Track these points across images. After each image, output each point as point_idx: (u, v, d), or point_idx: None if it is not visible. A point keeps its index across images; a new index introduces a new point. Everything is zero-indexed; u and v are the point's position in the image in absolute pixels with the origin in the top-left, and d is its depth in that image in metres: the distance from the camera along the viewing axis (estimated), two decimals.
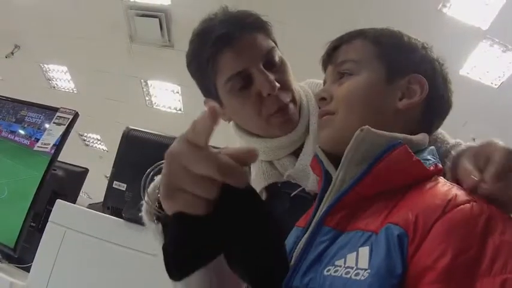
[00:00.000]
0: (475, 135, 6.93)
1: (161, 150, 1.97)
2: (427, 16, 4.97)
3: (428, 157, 0.88)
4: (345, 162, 0.84)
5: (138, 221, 1.68)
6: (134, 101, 7.85)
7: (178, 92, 7.42)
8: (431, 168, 0.85)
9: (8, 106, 2.25)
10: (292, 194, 1.25)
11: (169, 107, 7.96)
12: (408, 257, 0.66)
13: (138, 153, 1.88)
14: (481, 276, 0.61)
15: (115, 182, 1.85)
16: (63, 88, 8.03)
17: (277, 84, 1.21)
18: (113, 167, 1.88)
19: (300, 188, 1.23)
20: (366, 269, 0.66)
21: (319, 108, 1.02)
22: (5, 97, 2.31)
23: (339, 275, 0.69)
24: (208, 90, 1.34)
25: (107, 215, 1.79)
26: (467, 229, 0.66)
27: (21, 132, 2.15)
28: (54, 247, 1.72)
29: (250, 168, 1.35)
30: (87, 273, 1.68)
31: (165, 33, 5.91)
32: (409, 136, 0.88)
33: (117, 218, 1.73)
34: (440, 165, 0.89)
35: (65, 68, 7.49)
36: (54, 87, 8.02)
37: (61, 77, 7.74)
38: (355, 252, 0.71)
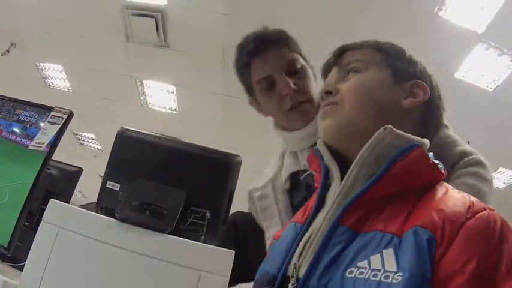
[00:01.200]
0: (470, 138, 6.94)
1: (155, 151, 1.98)
2: (423, 19, 4.98)
3: (437, 161, 0.90)
4: (360, 160, 0.87)
5: (131, 221, 1.68)
6: (129, 100, 7.84)
7: (173, 92, 7.41)
8: (444, 172, 0.89)
9: (8, 105, 2.23)
10: (300, 178, 1.54)
11: (165, 107, 7.95)
12: (436, 260, 0.69)
13: (132, 154, 1.87)
14: (501, 280, 0.66)
15: (108, 182, 1.84)
16: (59, 87, 8.01)
17: (293, 86, 1.56)
18: (107, 167, 1.88)
19: (308, 172, 1.50)
20: (395, 272, 0.69)
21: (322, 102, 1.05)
22: None
23: (366, 277, 0.71)
24: (250, 89, 1.79)
25: (100, 215, 1.78)
26: (487, 236, 0.71)
27: (24, 132, 2.13)
28: (47, 247, 1.70)
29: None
30: (79, 273, 1.68)
31: (161, 33, 5.91)
32: (422, 139, 0.91)
33: (110, 218, 1.72)
34: (446, 171, 0.92)
35: (60, 67, 7.46)
36: (49, 85, 7.99)
37: (56, 75, 7.72)
38: (378, 254, 0.73)
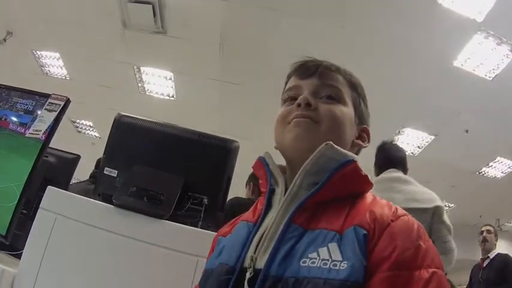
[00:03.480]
0: (468, 127, 6.99)
1: (153, 137, 1.97)
2: (423, 7, 4.97)
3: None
4: (304, 171, 1.01)
5: (129, 207, 1.68)
6: (127, 87, 7.86)
7: (171, 79, 7.44)
8: (372, 182, 1.06)
9: (14, 94, 2.20)
10: None
11: (162, 94, 7.97)
12: (368, 250, 0.86)
13: (129, 140, 1.87)
14: (418, 267, 0.84)
15: (106, 168, 1.84)
16: (56, 75, 7.99)
17: None
18: (104, 153, 1.87)
19: None
20: (341, 261, 0.85)
21: (298, 109, 1.11)
22: None
23: (318, 265, 0.86)
24: None
25: (98, 201, 1.78)
26: (407, 234, 0.89)
27: (32, 123, 2.09)
28: (45, 234, 1.70)
29: None
30: (77, 260, 1.68)
31: (158, 20, 5.89)
32: (355, 156, 1.07)
33: (107, 204, 1.72)
34: None
35: (57, 55, 7.44)
36: (46, 73, 7.98)
37: (54, 63, 7.70)
38: (325, 247, 0.88)
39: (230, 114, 7.97)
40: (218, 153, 1.82)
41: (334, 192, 0.99)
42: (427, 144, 7.98)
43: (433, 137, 7.68)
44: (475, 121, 6.70)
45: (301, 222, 0.95)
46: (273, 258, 0.91)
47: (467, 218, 10.43)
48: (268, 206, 1.05)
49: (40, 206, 1.76)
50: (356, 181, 1.02)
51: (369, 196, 1.03)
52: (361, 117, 1.18)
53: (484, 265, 5.53)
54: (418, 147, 8.15)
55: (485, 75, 5.93)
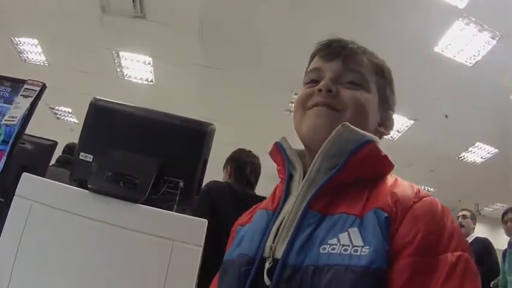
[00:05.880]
0: (447, 112, 7.05)
1: (128, 121, 1.95)
2: None
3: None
4: (322, 153, 0.98)
5: (104, 192, 1.66)
6: (106, 72, 7.85)
7: (150, 64, 7.44)
8: (393, 164, 1.02)
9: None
10: None
11: (141, 79, 7.98)
12: (390, 234, 0.83)
13: (105, 124, 1.85)
14: (442, 252, 0.80)
15: (81, 153, 1.81)
16: (35, 61, 7.93)
17: None
18: (80, 138, 1.85)
19: None
20: (362, 246, 0.82)
21: (318, 95, 1.07)
22: None
23: (338, 252, 0.83)
24: None
25: (73, 187, 1.76)
26: (431, 216, 0.85)
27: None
28: (20, 221, 1.68)
29: None
30: (53, 247, 1.66)
31: (137, 4, 5.86)
32: (374, 137, 1.02)
33: (83, 190, 1.70)
34: None
35: (35, 41, 7.37)
36: (25, 60, 7.91)
37: (32, 49, 7.63)
38: (346, 232, 0.86)
39: (210, 99, 7.98)
40: (194, 136, 1.80)
41: (353, 174, 0.96)
42: (406, 128, 8.07)
43: (412, 122, 7.76)
44: (454, 106, 6.77)
45: (320, 208, 0.93)
46: (291, 247, 0.88)
47: (447, 202, 10.32)
48: (287, 193, 1.02)
49: (15, 193, 1.73)
50: (376, 162, 0.98)
51: (390, 178, 0.99)
52: (385, 104, 1.14)
53: None
54: (398, 131, 8.21)
55: (466, 62, 5.99)
